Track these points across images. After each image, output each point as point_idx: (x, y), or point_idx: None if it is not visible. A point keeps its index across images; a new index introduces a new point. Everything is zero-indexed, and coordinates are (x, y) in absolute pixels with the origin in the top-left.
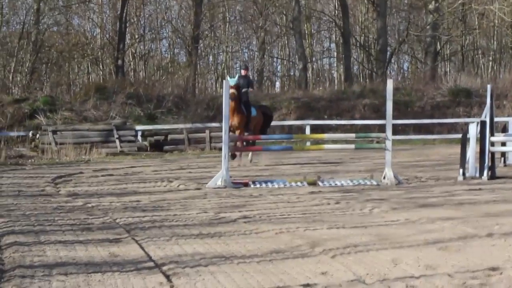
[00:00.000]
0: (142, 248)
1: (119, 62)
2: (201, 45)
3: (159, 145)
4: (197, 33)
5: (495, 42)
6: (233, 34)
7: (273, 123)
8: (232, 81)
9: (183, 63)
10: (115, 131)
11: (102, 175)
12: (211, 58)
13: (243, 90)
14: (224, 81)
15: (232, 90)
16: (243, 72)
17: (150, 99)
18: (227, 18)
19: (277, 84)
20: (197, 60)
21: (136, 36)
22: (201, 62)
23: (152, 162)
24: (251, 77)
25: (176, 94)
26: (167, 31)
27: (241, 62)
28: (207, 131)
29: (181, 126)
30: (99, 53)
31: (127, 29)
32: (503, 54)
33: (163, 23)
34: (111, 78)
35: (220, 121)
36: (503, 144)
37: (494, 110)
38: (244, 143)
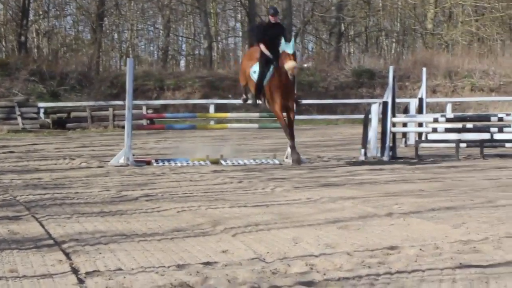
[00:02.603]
0: (42, 226)
1: (22, 38)
2: (106, 22)
3: (61, 123)
4: (101, 10)
5: (398, 24)
6: (138, 12)
7: (177, 101)
8: (289, 47)
9: (87, 40)
10: (17, 108)
11: (3, 152)
12: (115, 35)
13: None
14: (128, 59)
15: (292, 64)
16: (272, 19)
17: (54, 76)
18: None
19: (182, 63)
20: (101, 38)
21: (40, 13)
22: (106, 39)
23: (54, 139)
24: (284, 25)
25: (79, 71)
26: (71, 8)
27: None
28: (111, 109)
29: (84, 103)
30: (2, 29)
31: (31, 5)
32: (406, 36)
33: (68, 0)
34: (13, 55)
35: (124, 99)
36: (404, 125)
37: (396, 91)
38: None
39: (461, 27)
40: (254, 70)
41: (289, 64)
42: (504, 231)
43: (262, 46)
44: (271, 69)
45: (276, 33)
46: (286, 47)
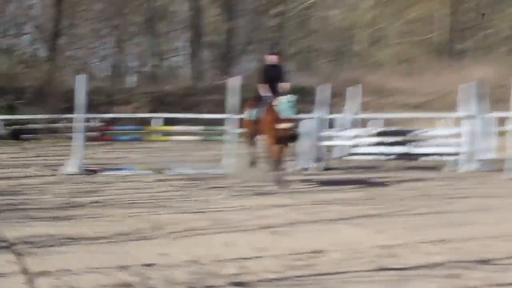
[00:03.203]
0: None
1: None
2: (61, 41)
3: (17, 134)
4: (57, 30)
5: (332, 45)
6: (91, 31)
7: (126, 115)
8: (288, 110)
9: (43, 57)
10: None
11: None
12: (70, 53)
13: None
14: (80, 75)
15: (288, 125)
16: (272, 60)
17: (11, 91)
18: (86, 16)
19: (131, 79)
20: (56, 55)
21: None
22: (61, 57)
23: (10, 149)
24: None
25: (36, 86)
26: (29, 27)
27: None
28: (64, 122)
29: (39, 116)
30: None
31: None
32: (340, 56)
33: (26, 20)
34: None
35: (76, 112)
36: (333, 138)
37: (327, 108)
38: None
39: (388, 48)
40: (247, 112)
41: (284, 125)
42: (420, 237)
43: (261, 87)
44: (264, 105)
45: (276, 74)
46: (289, 110)
